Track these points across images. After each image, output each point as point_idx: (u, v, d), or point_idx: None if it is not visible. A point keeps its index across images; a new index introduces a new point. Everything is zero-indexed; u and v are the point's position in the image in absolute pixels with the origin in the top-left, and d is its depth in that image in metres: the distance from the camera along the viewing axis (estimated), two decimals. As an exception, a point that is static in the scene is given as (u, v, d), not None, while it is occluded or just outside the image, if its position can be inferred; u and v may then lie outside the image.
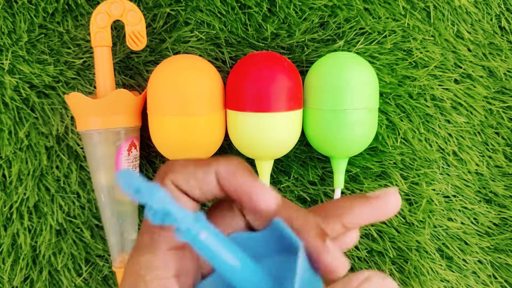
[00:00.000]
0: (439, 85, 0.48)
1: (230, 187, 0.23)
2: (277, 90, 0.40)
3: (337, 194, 0.46)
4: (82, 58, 0.46)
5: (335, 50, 0.47)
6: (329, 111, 0.42)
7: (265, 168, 0.45)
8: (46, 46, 0.46)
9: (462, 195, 0.49)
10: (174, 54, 0.47)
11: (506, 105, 0.49)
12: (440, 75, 0.48)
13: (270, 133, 0.41)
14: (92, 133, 0.43)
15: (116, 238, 0.45)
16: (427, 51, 0.48)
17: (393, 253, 0.48)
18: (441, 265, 0.48)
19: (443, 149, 0.48)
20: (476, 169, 0.49)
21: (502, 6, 0.48)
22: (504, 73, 0.49)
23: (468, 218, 0.49)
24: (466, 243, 0.49)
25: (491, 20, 0.48)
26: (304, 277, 0.22)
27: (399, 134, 0.48)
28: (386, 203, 0.25)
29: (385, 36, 0.47)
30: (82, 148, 0.47)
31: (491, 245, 0.49)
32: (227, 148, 0.48)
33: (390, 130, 0.48)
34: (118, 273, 0.46)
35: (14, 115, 0.47)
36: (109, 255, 0.47)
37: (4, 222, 0.47)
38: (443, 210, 0.48)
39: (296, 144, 0.47)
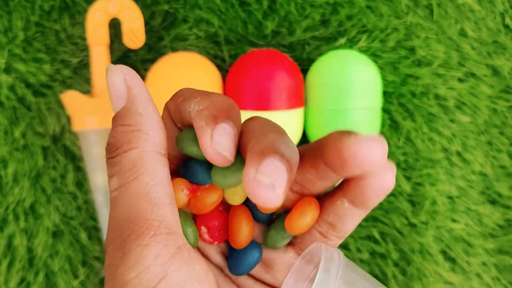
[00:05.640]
0: (443, 84, 0.47)
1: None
2: (278, 88, 0.40)
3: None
4: (79, 57, 0.46)
5: (337, 48, 0.46)
6: (330, 110, 0.41)
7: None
8: (43, 45, 0.46)
9: (466, 196, 0.48)
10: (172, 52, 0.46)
11: (510, 104, 0.48)
12: (444, 74, 0.47)
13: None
14: (88, 133, 0.42)
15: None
16: (430, 50, 0.47)
17: (396, 255, 0.48)
18: (444, 267, 0.48)
19: (446, 149, 0.48)
20: (480, 170, 0.48)
21: (506, 3, 0.48)
22: (509, 72, 0.48)
23: (472, 219, 0.48)
24: (469, 245, 0.48)
25: (495, 18, 0.48)
26: None
27: (402, 133, 0.47)
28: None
29: (388, 34, 0.47)
30: (79, 147, 0.47)
31: (495, 247, 0.48)
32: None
33: (393, 130, 0.47)
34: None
35: (10, 114, 0.46)
36: (107, 257, 0.47)
37: (0, 223, 0.47)
38: (447, 211, 0.48)
39: (296, 144, 0.46)
